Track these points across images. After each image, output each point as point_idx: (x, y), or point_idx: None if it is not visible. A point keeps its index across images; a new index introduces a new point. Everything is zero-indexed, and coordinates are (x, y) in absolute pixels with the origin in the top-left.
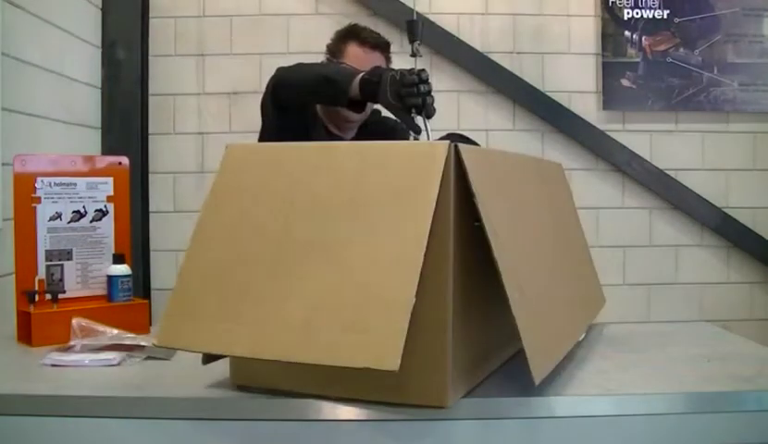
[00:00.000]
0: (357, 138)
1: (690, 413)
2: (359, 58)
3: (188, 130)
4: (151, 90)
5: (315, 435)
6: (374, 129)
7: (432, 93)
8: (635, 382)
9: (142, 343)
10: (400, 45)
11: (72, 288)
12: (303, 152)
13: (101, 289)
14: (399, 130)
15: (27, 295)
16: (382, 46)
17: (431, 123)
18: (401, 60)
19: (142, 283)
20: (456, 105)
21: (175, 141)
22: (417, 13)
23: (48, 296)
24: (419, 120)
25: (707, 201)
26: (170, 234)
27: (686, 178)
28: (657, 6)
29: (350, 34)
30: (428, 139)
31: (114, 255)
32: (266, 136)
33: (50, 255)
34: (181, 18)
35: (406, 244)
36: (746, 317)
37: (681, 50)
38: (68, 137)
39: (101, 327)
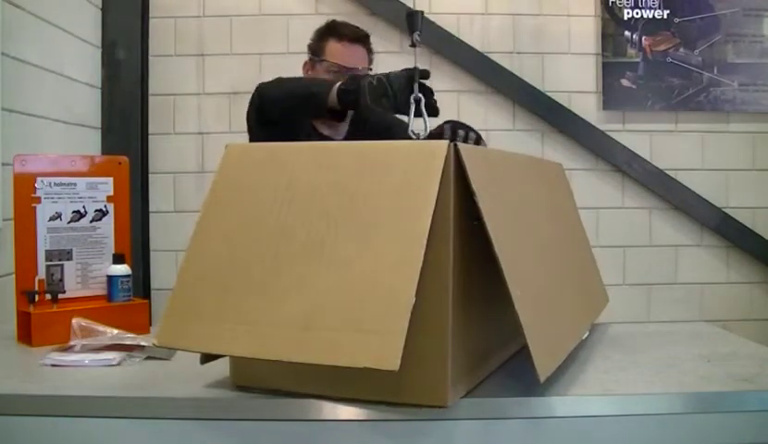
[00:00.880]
0: (356, 135)
1: (690, 413)
2: (340, 54)
3: (188, 130)
4: (151, 90)
5: (316, 435)
6: (373, 127)
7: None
8: (635, 382)
9: (142, 343)
10: (399, 46)
11: (72, 288)
12: (302, 151)
13: (101, 289)
14: (396, 127)
15: (27, 295)
16: (362, 39)
17: (436, 121)
18: (400, 59)
19: (142, 283)
20: (456, 105)
21: (175, 142)
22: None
23: (48, 296)
24: (418, 120)
25: (707, 201)
26: (170, 234)
27: (686, 178)
28: (657, 6)
29: (328, 31)
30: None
31: (114, 255)
32: None
33: (50, 255)
34: (181, 18)
35: (406, 244)
36: (746, 317)
37: (681, 50)
38: (68, 137)
39: (101, 327)
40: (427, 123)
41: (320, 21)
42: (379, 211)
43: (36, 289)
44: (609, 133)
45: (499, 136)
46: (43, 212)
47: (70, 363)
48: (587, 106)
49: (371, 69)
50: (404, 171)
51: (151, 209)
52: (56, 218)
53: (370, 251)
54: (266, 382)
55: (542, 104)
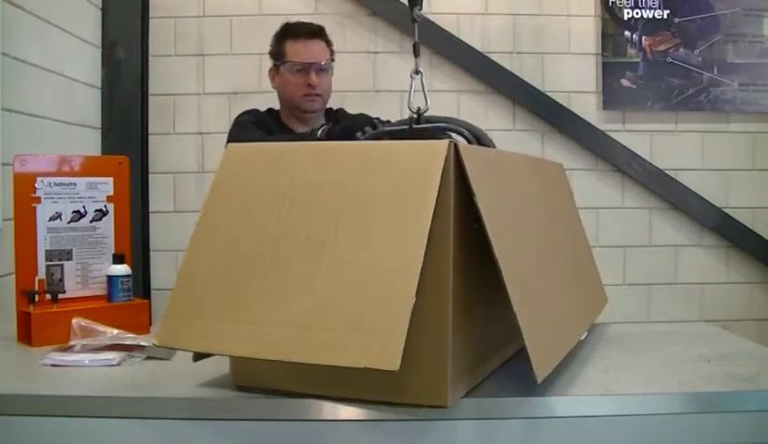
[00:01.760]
0: (330, 132)
1: (690, 413)
2: (300, 52)
3: (188, 130)
4: (151, 90)
5: (316, 435)
6: (345, 126)
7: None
8: (635, 382)
9: (142, 343)
10: (399, 46)
11: (72, 288)
12: (303, 152)
13: (101, 289)
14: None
15: (27, 295)
16: (318, 33)
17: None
18: (400, 60)
19: (142, 283)
20: (456, 105)
21: (175, 142)
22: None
23: (48, 296)
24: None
25: (707, 201)
26: (170, 234)
27: (686, 178)
28: (657, 6)
29: (284, 34)
30: None
31: (114, 255)
32: None
33: (50, 255)
34: (181, 18)
35: (406, 244)
36: (746, 317)
37: (681, 50)
38: (68, 137)
39: (101, 327)
40: (427, 97)
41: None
42: (380, 211)
43: (36, 289)
44: (609, 133)
45: (499, 136)
46: (43, 212)
47: (70, 363)
48: (587, 106)
49: (333, 60)
50: (405, 171)
51: (151, 209)
52: (56, 218)
53: (370, 251)
54: (266, 382)
55: (542, 104)
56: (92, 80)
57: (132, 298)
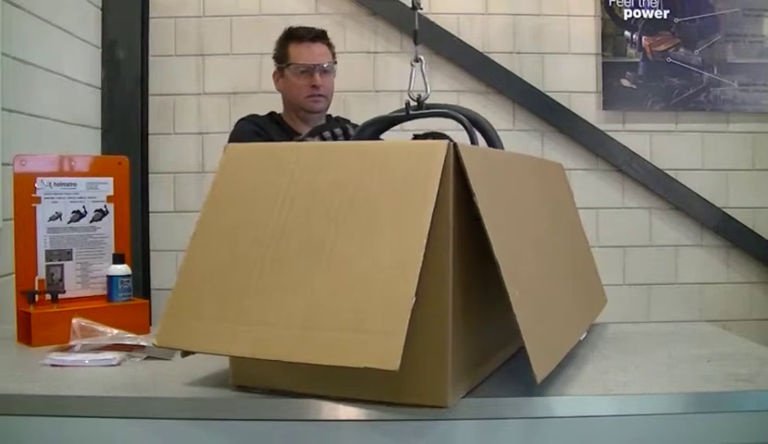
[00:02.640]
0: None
1: (690, 413)
2: (303, 54)
3: (188, 130)
4: (151, 90)
5: (316, 435)
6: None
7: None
8: (635, 382)
9: (142, 343)
10: (400, 46)
11: (72, 288)
12: (302, 152)
13: (101, 289)
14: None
15: (27, 295)
16: (320, 36)
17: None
18: (400, 60)
19: (142, 283)
20: None
21: (175, 141)
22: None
23: (48, 296)
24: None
25: (707, 201)
26: (170, 234)
27: (686, 178)
28: (657, 6)
29: (288, 37)
30: None
31: (114, 255)
32: None
33: (50, 255)
34: (181, 18)
35: (406, 243)
36: (746, 317)
37: (681, 50)
38: (68, 137)
39: (101, 327)
40: (428, 84)
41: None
42: (380, 211)
43: (36, 289)
44: (609, 133)
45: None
46: (43, 212)
47: (70, 363)
48: (587, 106)
49: (335, 62)
50: (404, 171)
51: (151, 209)
52: (56, 218)
53: (370, 251)
54: (266, 382)
55: (542, 104)
56: (92, 80)
57: (132, 298)
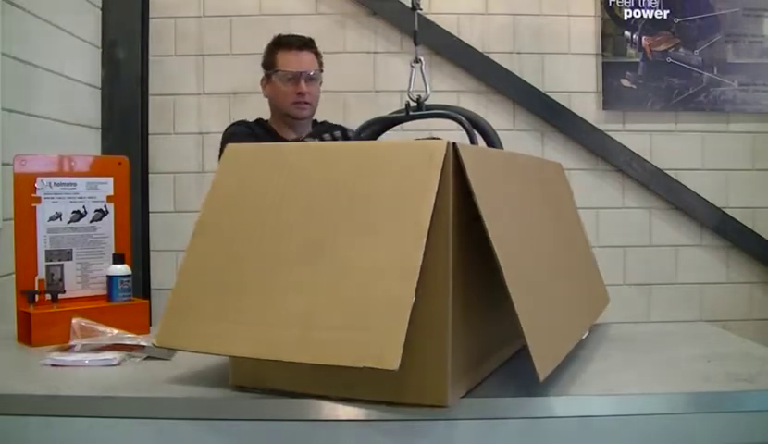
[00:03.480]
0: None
1: (690, 413)
2: (291, 61)
3: (188, 130)
4: (151, 90)
5: (316, 435)
6: (318, 132)
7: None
8: (635, 382)
9: (142, 343)
10: (400, 46)
11: (72, 288)
12: (301, 152)
13: (101, 289)
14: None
15: (27, 295)
16: (308, 44)
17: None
18: (400, 60)
19: (142, 283)
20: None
21: (175, 141)
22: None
23: (48, 296)
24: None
25: (707, 201)
26: (170, 234)
27: (686, 178)
28: (657, 6)
29: (276, 45)
30: None
31: (114, 255)
32: None
33: (50, 255)
34: (181, 18)
35: (405, 243)
36: (746, 317)
37: (681, 50)
38: (68, 137)
39: (101, 327)
40: (427, 85)
41: (320, 21)
42: (379, 211)
43: (36, 289)
44: (609, 133)
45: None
46: (43, 212)
47: (70, 363)
48: (587, 106)
49: (322, 71)
50: (404, 171)
51: (151, 209)
52: (56, 218)
53: (370, 251)
54: (266, 382)
55: (542, 104)
56: (92, 80)
57: (132, 298)
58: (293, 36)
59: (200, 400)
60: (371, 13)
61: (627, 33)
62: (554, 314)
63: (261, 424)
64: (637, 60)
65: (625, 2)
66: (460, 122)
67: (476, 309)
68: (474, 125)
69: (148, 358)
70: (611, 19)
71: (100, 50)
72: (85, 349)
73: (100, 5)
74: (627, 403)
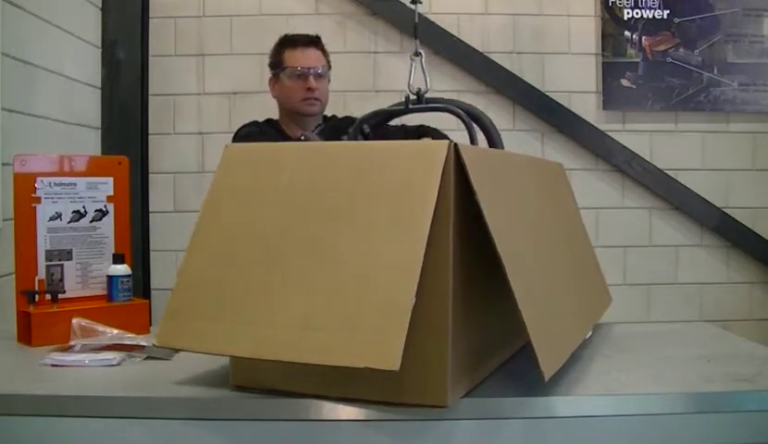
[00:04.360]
0: (320, 135)
1: (690, 413)
2: (298, 58)
3: (188, 130)
4: (151, 90)
5: (315, 435)
6: (335, 126)
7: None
8: (635, 382)
9: (142, 343)
10: (400, 46)
11: (72, 288)
12: (301, 152)
13: (101, 289)
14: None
15: (27, 295)
16: (314, 42)
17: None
18: (400, 60)
19: (142, 283)
20: None
21: (175, 141)
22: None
23: (48, 296)
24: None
25: (707, 201)
26: (170, 234)
27: (686, 178)
28: (657, 6)
29: (283, 44)
30: None
31: (114, 255)
32: None
33: (50, 255)
34: (181, 18)
35: (406, 244)
36: (746, 317)
37: (681, 50)
38: (68, 137)
39: (101, 327)
40: (427, 78)
41: (320, 21)
42: (379, 211)
43: (36, 289)
44: (609, 133)
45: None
46: (43, 212)
47: (70, 363)
48: (587, 106)
49: (330, 68)
50: (404, 171)
51: (151, 209)
52: (56, 218)
53: (370, 251)
54: (266, 382)
55: (542, 104)
56: (92, 80)
57: (132, 298)
58: (300, 34)
59: (200, 400)
60: (371, 13)
61: (627, 33)
62: (558, 314)
63: (261, 424)
64: (637, 60)
65: (625, 2)
66: (459, 116)
67: (476, 309)
68: (473, 119)
69: (148, 358)
70: (611, 19)
71: (100, 50)
72: (85, 349)
73: (100, 5)
74: (628, 403)
